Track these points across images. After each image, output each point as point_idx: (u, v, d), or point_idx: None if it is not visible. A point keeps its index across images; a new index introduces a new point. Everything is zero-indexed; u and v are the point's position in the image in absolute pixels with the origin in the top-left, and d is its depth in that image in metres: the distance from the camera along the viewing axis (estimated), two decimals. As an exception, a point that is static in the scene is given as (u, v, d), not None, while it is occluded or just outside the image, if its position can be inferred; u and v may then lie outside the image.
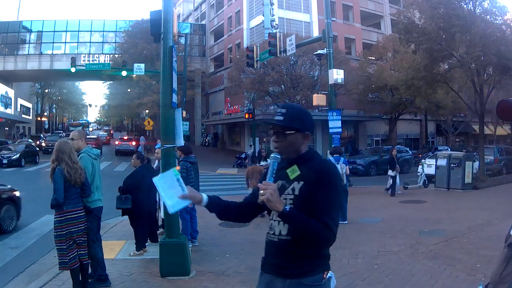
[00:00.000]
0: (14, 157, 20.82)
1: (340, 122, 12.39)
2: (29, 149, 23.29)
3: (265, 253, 2.02)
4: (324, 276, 1.87)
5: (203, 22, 42.80)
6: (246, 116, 24.48)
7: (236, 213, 2.11)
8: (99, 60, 37.26)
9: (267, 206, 1.82)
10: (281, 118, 1.95)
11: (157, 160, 6.95)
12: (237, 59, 28.16)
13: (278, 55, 13.41)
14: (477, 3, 14.98)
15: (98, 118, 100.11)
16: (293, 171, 1.94)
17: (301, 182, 1.89)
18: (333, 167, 1.93)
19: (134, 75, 26.06)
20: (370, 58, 30.45)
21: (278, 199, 1.81)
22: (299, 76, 24.60)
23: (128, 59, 25.41)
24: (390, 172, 12.54)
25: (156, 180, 1.99)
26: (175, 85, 5.24)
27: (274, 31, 19.92)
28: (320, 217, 1.79)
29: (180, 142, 5.25)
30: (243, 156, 25.40)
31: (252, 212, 2.11)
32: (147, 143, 32.24)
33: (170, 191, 1.95)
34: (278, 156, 1.96)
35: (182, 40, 28.10)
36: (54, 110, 73.32)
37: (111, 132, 61.82)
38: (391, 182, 12.52)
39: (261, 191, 1.81)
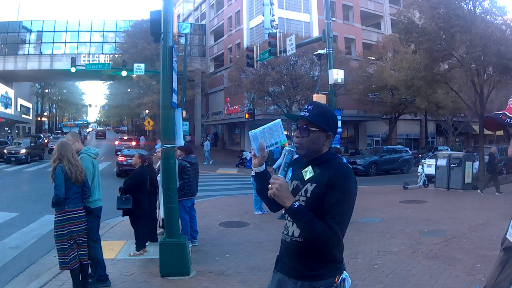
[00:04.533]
0: None
1: (340, 122, 12.38)
2: None
3: (279, 252, 2.01)
4: (336, 280, 1.84)
5: (203, 22, 42.79)
6: (246, 116, 24.49)
7: (269, 199, 1.96)
8: (99, 60, 37.24)
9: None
10: (306, 114, 1.92)
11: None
12: (237, 59, 28.16)
13: (278, 55, 13.39)
14: (477, 3, 14.98)
15: (98, 118, 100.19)
16: (308, 172, 1.92)
17: (314, 184, 1.86)
18: (347, 171, 1.86)
19: (134, 75, 26.06)
20: (370, 58, 30.45)
21: (286, 194, 1.78)
22: (299, 76, 24.60)
23: (128, 59, 25.40)
24: None
25: (277, 122, 2.00)
26: (175, 85, 5.24)
27: (274, 31, 19.89)
28: (327, 220, 1.76)
29: (180, 142, 5.26)
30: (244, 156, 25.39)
31: (277, 204, 1.96)
32: (147, 143, 32.25)
33: (263, 136, 1.99)
34: (293, 149, 1.92)
35: (182, 40, 28.09)
36: (54, 110, 73.38)
37: (113, 129, 63.21)
38: None
39: (269, 185, 1.81)
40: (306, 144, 1.91)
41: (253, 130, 1.99)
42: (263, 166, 2.00)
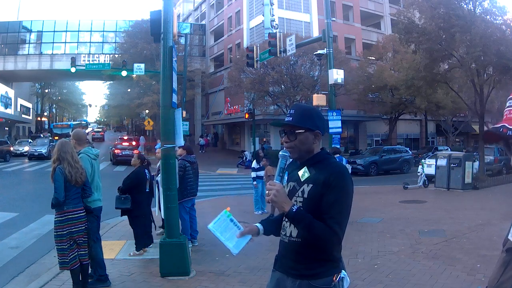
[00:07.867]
0: None
1: (340, 122, 12.36)
2: None
3: (278, 252, 2.03)
4: (334, 279, 1.85)
5: (203, 22, 42.79)
6: (246, 116, 24.50)
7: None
8: (99, 60, 37.24)
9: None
10: (290, 119, 1.94)
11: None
12: (237, 59, 28.16)
13: (278, 55, 13.39)
14: (477, 3, 14.97)
15: (98, 118, 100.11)
16: (304, 173, 1.93)
17: (310, 185, 1.87)
18: (343, 170, 1.88)
19: (134, 75, 26.06)
20: (370, 58, 30.44)
21: (284, 199, 1.81)
22: (299, 76, 24.60)
23: (128, 59, 25.40)
24: None
25: (211, 227, 1.98)
26: (175, 85, 5.24)
27: (274, 31, 19.89)
28: (326, 220, 1.77)
29: (180, 142, 5.26)
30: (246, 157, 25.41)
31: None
32: (147, 143, 32.25)
33: (227, 233, 1.99)
34: (287, 154, 1.94)
35: (182, 40, 28.08)
36: (54, 110, 73.35)
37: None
38: None
39: (267, 191, 1.82)
40: (296, 147, 1.94)
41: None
42: (260, 228, 2.05)
